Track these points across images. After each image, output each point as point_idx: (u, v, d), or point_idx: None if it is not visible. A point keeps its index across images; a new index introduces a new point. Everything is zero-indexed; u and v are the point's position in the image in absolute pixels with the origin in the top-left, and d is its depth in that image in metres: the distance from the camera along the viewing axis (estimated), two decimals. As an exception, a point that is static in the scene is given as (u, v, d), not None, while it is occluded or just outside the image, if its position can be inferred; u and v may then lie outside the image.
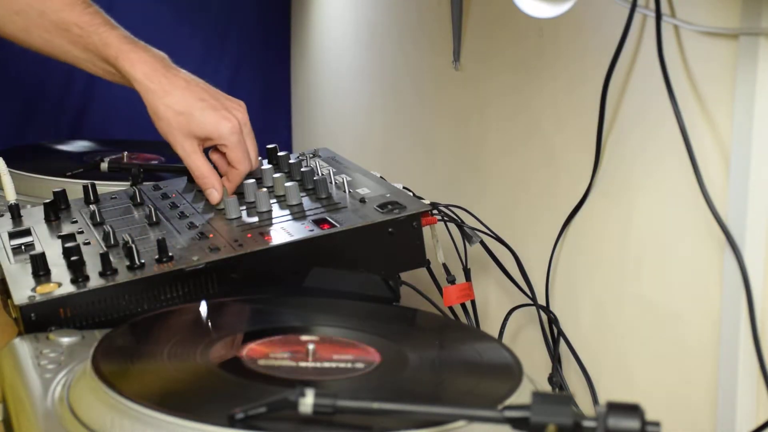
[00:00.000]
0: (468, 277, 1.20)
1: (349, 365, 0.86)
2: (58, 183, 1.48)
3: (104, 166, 1.59)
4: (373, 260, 1.10)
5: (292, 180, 1.24)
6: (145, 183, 1.35)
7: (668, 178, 0.97)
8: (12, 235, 1.18)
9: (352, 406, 0.72)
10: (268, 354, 0.88)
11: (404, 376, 0.86)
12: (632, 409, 0.67)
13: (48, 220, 1.22)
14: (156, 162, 1.68)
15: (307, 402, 0.72)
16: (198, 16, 2.15)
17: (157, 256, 1.05)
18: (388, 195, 1.17)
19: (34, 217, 1.24)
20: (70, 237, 1.12)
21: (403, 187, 1.21)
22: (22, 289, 1.02)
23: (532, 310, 1.19)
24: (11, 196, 1.30)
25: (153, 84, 1.17)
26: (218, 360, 0.86)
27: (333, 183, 1.23)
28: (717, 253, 0.90)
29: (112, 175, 1.56)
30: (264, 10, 2.19)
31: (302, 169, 1.25)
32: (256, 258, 1.06)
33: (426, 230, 1.13)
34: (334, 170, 1.27)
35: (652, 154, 1.00)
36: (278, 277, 1.07)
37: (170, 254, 1.05)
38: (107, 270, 1.03)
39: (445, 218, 1.18)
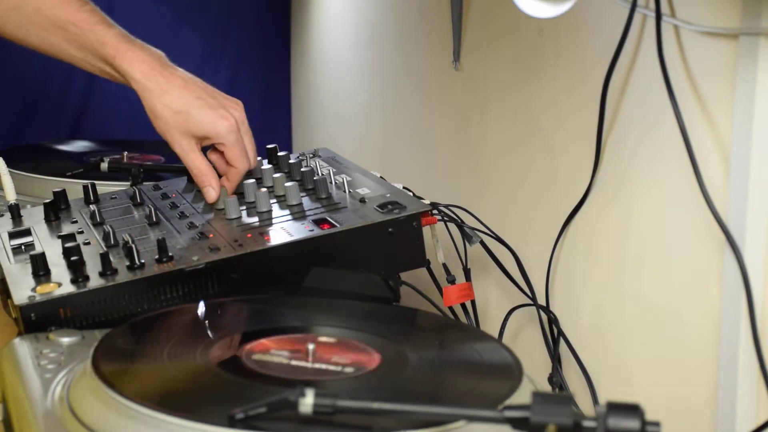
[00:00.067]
0: (468, 277, 1.20)
1: (349, 365, 0.86)
2: (58, 183, 1.48)
3: (104, 166, 1.59)
4: (373, 260, 1.10)
5: (292, 180, 1.24)
6: (145, 183, 1.35)
7: (668, 178, 0.97)
8: (12, 235, 1.18)
9: (352, 406, 0.72)
10: (268, 354, 0.88)
11: (404, 376, 0.86)
12: (632, 409, 0.67)
13: (48, 220, 1.22)
14: (155, 162, 1.68)
15: (307, 402, 0.72)
16: (198, 16, 2.15)
17: (157, 256, 1.05)
18: (388, 195, 1.17)
19: (34, 217, 1.24)
20: (70, 237, 1.12)
21: (403, 187, 1.21)
22: (22, 289, 1.02)
23: (532, 310, 1.19)
24: (11, 196, 1.30)
25: (150, 83, 1.17)
26: (218, 360, 0.86)
27: (333, 183, 1.23)
28: (717, 253, 0.90)
29: (112, 175, 1.56)
30: (264, 10, 2.19)
31: (302, 169, 1.25)
32: (256, 258, 1.06)
33: (426, 230, 1.13)
34: (334, 170, 1.27)
35: (652, 154, 0.99)
36: (278, 277, 1.07)
37: (170, 254, 1.05)
38: (107, 270, 1.03)
39: (445, 218, 1.18)
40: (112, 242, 1.10)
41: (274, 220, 1.14)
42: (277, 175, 1.23)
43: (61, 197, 1.27)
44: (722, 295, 0.90)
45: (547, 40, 1.17)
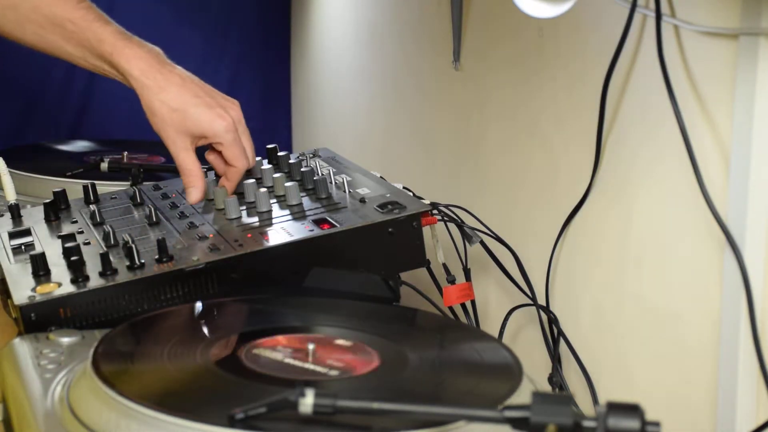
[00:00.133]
0: (468, 277, 1.20)
1: (348, 365, 0.86)
2: (58, 183, 1.48)
3: (104, 166, 1.59)
4: (373, 260, 1.10)
5: (292, 180, 1.24)
6: (145, 183, 1.35)
7: (668, 178, 0.97)
8: (12, 235, 1.18)
9: (352, 406, 0.72)
10: (267, 354, 0.88)
11: (404, 376, 0.86)
12: (632, 409, 0.67)
13: (48, 220, 1.22)
14: (158, 162, 1.68)
15: (307, 402, 0.72)
16: (198, 15, 2.15)
17: (157, 256, 1.05)
18: (388, 195, 1.17)
19: (34, 217, 1.24)
20: (70, 237, 1.12)
21: (403, 187, 1.21)
22: (22, 289, 1.02)
23: (532, 310, 1.19)
24: (11, 196, 1.30)
25: (148, 80, 1.16)
26: (218, 360, 0.86)
27: (333, 183, 1.23)
28: (717, 253, 0.90)
29: (112, 175, 1.57)
30: (264, 10, 2.19)
31: (302, 169, 1.25)
32: (256, 258, 1.06)
33: (426, 230, 1.13)
34: (334, 170, 1.27)
35: (652, 154, 0.99)
36: (278, 277, 1.07)
37: (170, 254, 1.05)
38: (107, 270, 1.03)
39: (445, 218, 1.18)
40: (112, 242, 1.10)
41: (274, 220, 1.14)
42: (277, 175, 1.23)
43: (61, 197, 1.27)
44: (722, 295, 0.90)
45: (547, 40, 1.17)
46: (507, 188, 1.29)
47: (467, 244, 1.19)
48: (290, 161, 1.31)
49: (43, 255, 1.05)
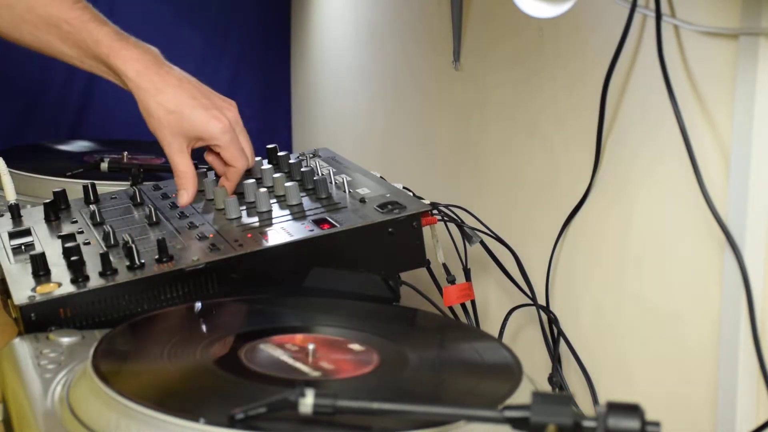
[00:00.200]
0: (468, 277, 1.20)
1: (348, 365, 0.86)
2: (58, 183, 1.48)
3: (104, 166, 1.59)
4: (373, 260, 1.10)
5: (292, 180, 1.24)
6: (145, 183, 1.35)
7: (668, 178, 0.97)
8: (12, 235, 1.18)
9: (352, 406, 0.72)
10: (267, 354, 0.88)
11: (404, 376, 0.86)
12: (632, 409, 0.67)
13: (48, 220, 1.22)
14: (153, 161, 1.69)
15: (307, 402, 0.72)
16: (198, 15, 2.15)
17: (157, 256, 1.05)
18: (388, 195, 1.17)
19: (34, 217, 1.24)
20: (70, 237, 1.12)
21: (403, 187, 1.21)
22: (22, 289, 1.02)
23: (532, 310, 1.19)
24: (11, 196, 1.30)
25: (145, 82, 1.16)
26: (218, 360, 0.86)
27: (333, 183, 1.23)
28: (717, 253, 0.90)
29: (112, 175, 1.57)
30: (264, 10, 2.19)
31: (302, 169, 1.25)
32: (256, 258, 1.06)
33: (426, 230, 1.13)
34: (334, 170, 1.27)
35: (652, 154, 1.00)
36: (278, 277, 1.07)
37: (170, 254, 1.05)
38: (107, 270, 1.03)
39: (445, 218, 1.18)
40: (112, 242, 1.10)
41: (274, 220, 1.14)
42: (277, 175, 1.23)
43: (61, 197, 1.27)
44: (722, 295, 0.90)
45: (547, 40, 1.17)
46: (507, 188, 1.29)
47: (467, 244, 1.19)
48: (290, 161, 1.31)
49: (43, 255, 1.05)
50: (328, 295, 1.08)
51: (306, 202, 1.18)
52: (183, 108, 1.16)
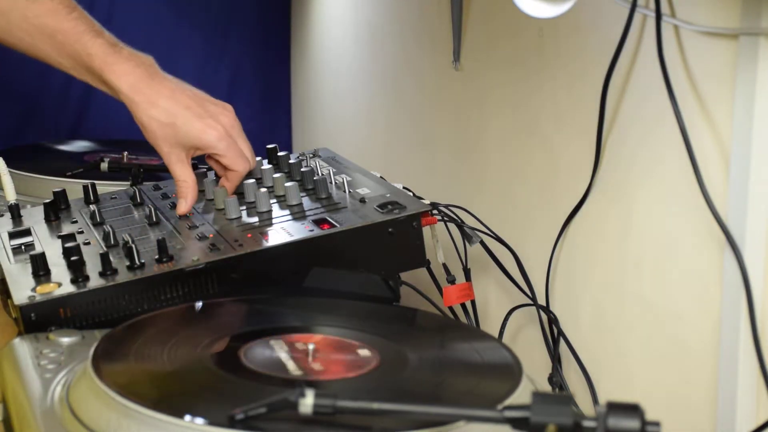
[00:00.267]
0: (468, 277, 1.20)
1: (348, 365, 0.86)
2: (58, 183, 1.48)
3: (104, 166, 1.59)
4: (373, 260, 1.10)
5: (292, 180, 1.24)
6: (145, 183, 1.35)
7: (668, 178, 0.97)
8: (12, 235, 1.18)
9: (352, 407, 0.72)
10: (268, 354, 0.88)
11: (404, 376, 0.86)
12: (632, 409, 0.67)
13: (48, 220, 1.22)
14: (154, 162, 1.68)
15: (307, 402, 0.72)
16: (198, 16, 2.15)
17: (157, 256, 1.05)
18: (388, 195, 1.17)
19: (34, 217, 1.24)
20: (70, 237, 1.12)
21: (403, 187, 1.21)
22: (22, 289, 1.02)
23: (532, 310, 1.19)
24: (11, 196, 1.30)
25: (138, 96, 1.16)
26: (218, 360, 0.86)
27: (333, 183, 1.23)
28: (717, 253, 0.90)
29: (112, 175, 1.57)
30: (264, 10, 2.19)
31: (302, 169, 1.25)
32: (256, 258, 1.06)
33: (426, 230, 1.13)
34: (334, 170, 1.27)
35: (652, 154, 1.00)
36: (278, 277, 1.07)
37: (170, 254, 1.05)
38: (107, 270, 1.03)
39: (445, 218, 1.18)
40: (112, 242, 1.10)
41: (274, 220, 1.14)
42: (277, 175, 1.23)
43: (61, 197, 1.27)
44: (722, 295, 0.90)
45: (547, 40, 1.17)
46: (507, 188, 1.29)
47: (467, 244, 1.19)
48: (290, 161, 1.31)
49: (43, 255, 1.05)
50: (328, 295, 1.08)
51: (306, 202, 1.18)
52: (176, 119, 1.16)
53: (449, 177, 1.46)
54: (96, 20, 1.21)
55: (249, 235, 1.10)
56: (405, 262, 1.13)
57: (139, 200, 1.26)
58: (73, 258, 1.03)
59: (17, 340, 0.96)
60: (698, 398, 0.94)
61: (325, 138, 1.99)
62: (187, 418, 0.74)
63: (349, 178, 1.24)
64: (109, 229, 1.12)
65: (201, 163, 1.26)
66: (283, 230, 1.11)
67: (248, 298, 1.05)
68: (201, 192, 1.23)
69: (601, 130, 1.06)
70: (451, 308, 1.21)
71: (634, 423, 0.66)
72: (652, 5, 0.91)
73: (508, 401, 0.80)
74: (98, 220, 1.19)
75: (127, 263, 1.04)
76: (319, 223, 1.11)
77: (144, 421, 0.75)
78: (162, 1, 2.11)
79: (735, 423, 0.89)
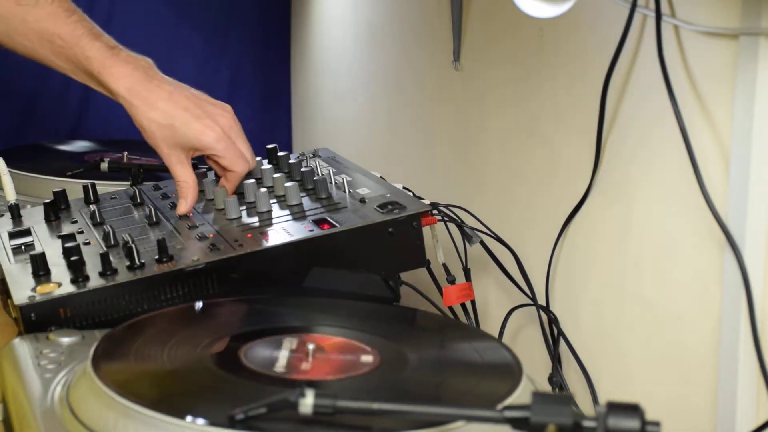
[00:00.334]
0: (468, 277, 1.20)
1: (349, 365, 0.86)
2: (58, 183, 1.48)
3: (104, 166, 1.59)
4: (373, 260, 1.10)
5: (292, 180, 1.24)
6: (145, 183, 1.35)
7: (668, 178, 0.97)
8: (12, 235, 1.18)
9: (352, 407, 0.72)
10: (267, 354, 0.88)
11: (404, 376, 0.86)
12: (632, 409, 0.67)
13: (48, 220, 1.22)
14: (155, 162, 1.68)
15: (307, 402, 0.72)
16: (198, 16, 2.15)
17: (157, 256, 1.05)
18: (388, 195, 1.17)
19: (34, 217, 1.24)
20: (70, 237, 1.12)
21: (403, 187, 1.21)
22: (22, 289, 1.02)
23: (532, 310, 1.19)
24: (11, 196, 1.30)
25: (135, 99, 1.17)
26: (218, 360, 0.86)
27: (333, 183, 1.23)
28: (717, 253, 0.90)
29: (112, 175, 1.56)
30: (264, 10, 2.19)
31: (302, 169, 1.25)
32: (256, 258, 1.06)
33: (426, 230, 1.13)
34: (334, 170, 1.27)
35: (652, 154, 1.00)
36: (278, 277, 1.07)
37: (170, 254, 1.05)
38: (107, 270, 1.03)
39: (445, 218, 1.18)
40: (112, 242, 1.10)
41: (274, 220, 1.14)
42: (277, 175, 1.23)
43: (61, 197, 1.27)
44: (722, 295, 0.90)
45: (547, 40, 1.17)
46: (507, 188, 1.29)
47: (467, 244, 1.19)
48: (290, 161, 1.31)
49: (43, 255, 1.05)
50: (328, 295, 1.08)
51: (306, 202, 1.18)
52: (174, 121, 1.16)
53: (449, 177, 1.46)
54: (96, 22, 1.21)
55: (249, 235, 1.10)
56: (405, 262, 1.13)
57: (139, 200, 1.26)
58: (73, 258, 1.03)
59: (17, 340, 0.96)
60: (698, 398, 0.94)
61: (325, 138, 1.99)
62: (188, 418, 0.74)
63: (349, 178, 1.24)
64: (109, 229, 1.12)
65: (201, 163, 1.26)
66: (283, 230, 1.11)
67: (248, 298, 1.05)
68: (201, 192, 1.23)
69: (601, 129, 1.06)
70: (451, 308, 1.21)
71: (634, 423, 0.66)
72: (652, 5, 0.91)
73: (508, 401, 0.80)
74: (98, 220, 1.19)
75: (127, 263, 1.04)
76: (319, 223, 1.11)
77: (144, 421, 0.75)
78: (162, 1, 2.11)
79: (735, 423, 0.89)
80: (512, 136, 1.27)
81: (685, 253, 0.96)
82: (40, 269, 1.05)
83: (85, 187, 1.28)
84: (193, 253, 1.06)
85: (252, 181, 1.21)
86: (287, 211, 1.16)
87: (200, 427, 0.74)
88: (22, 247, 1.14)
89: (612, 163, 1.07)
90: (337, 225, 1.10)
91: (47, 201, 1.24)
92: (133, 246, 1.04)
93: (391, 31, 1.66)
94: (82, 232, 1.17)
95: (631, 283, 1.04)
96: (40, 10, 1.18)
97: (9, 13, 1.18)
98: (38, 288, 1.01)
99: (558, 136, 1.17)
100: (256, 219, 1.15)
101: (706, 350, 0.93)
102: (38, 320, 0.99)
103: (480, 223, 1.22)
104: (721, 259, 0.90)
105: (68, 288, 1.01)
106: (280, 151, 1.35)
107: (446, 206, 1.18)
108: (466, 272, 1.21)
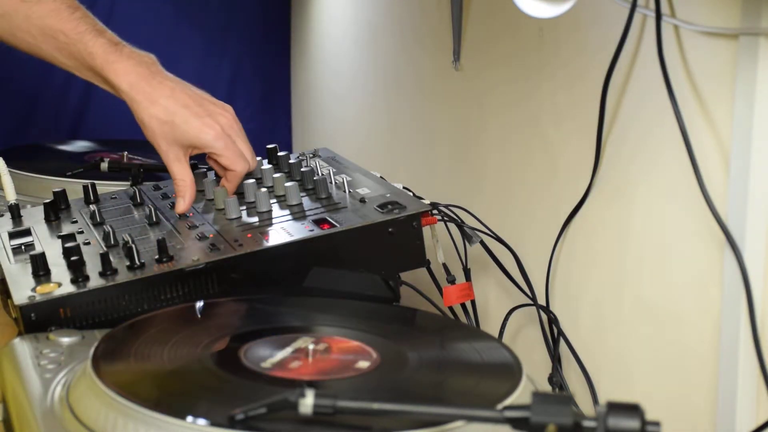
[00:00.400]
0: (468, 277, 1.20)
1: (348, 365, 0.86)
2: (58, 183, 1.48)
3: (104, 166, 1.59)
4: (373, 260, 1.10)
5: (292, 180, 1.24)
6: (145, 183, 1.35)
7: (668, 178, 0.97)
8: (12, 235, 1.18)
9: (352, 407, 0.72)
10: (267, 354, 0.88)
11: (404, 376, 0.86)
12: (632, 409, 0.67)
13: (48, 220, 1.22)
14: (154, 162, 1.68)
15: (307, 402, 0.72)
16: (199, 15, 2.15)
17: (157, 256, 1.05)
18: (388, 195, 1.17)
19: (34, 217, 1.24)
20: (70, 237, 1.12)
21: (403, 187, 1.21)
22: (22, 289, 1.02)
23: (532, 310, 1.19)
24: (11, 196, 1.30)
25: (138, 94, 1.17)
26: (218, 360, 0.86)
27: (333, 183, 1.23)
28: (717, 253, 0.90)
29: (112, 175, 1.56)
30: (264, 9, 2.19)
31: (302, 169, 1.25)
32: (256, 258, 1.06)
33: (426, 230, 1.13)
34: (334, 170, 1.27)
35: (652, 154, 1.00)
36: (278, 277, 1.07)
37: (170, 254, 1.05)
38: (107, 270, 1.03)
39: (445, 218, 1.18)
40: (112, 242, 1.10)
41: (274, 220, 1.14)
42: (277, 175, 1.23)
43: (61, 197, 1.27)
44: (722, 295, 0.90)
45: (547, 40, 1.17)
46: (507, 188, 1.29)
47: (467, 244, 1.19)
48: (290, 161, 1.31)
49: (43, 255, 1.05)
50: (328, 295, 1.08)
51: (306, 202, 1.18)
52: (175, 117, 1.16)
53: (449, 177, 1.46)
54: (98, 19, 1.21)
55: (249, 235, 1.10)
56: (405, 262, 1.13)
57: (139, 200, 1.26)
58: (73, 258, 1.03)
59: (17, 340, 0.96)
60: (698, 398, 0.94)
61: (325, 138, 1.99)
62: (189, 418, 0.74)
63: (349, 178, 1.24)
64: (109, 229, 1.12)
65: (201, 162, 1.26)
66: (283, 230, 1.11)
67: (248, 298, 1.05)
68: (201, 192, 1.23)
69: (601, 129, 1.06)
70: (451, 308, 1.21)
71: (634, 423, 0.66)
72: (652, 5, 0.91)
73: (508, 401, 0.80)
74: (98, 220, 1.19)
75: (127, 263, 1.04)
76: (319, 223, 1.11)
77: (144, 421, 0.75)
78: (162, 0, 2.11)
79: (735, 423, 0.89)
80: (512, 136, 1.27)
81: (685, 253, 0.96)
82: (40, 269, 1.05)
83: (85, 187, 1.28)
84: (193, 253, 1.06)
85: (252, 181, 1.21)
86: (287, 211, 1.16)
87: (200, 428, 0.74)
88: (22, 247, 1.14)
89: (612, 163, 1.07)
90: (337, 225, 1.10)
91: (47, 201, 1.24)
92: (133, 246, 1.04)
93: (391, 31, 1.66)
94: (82, 232, 1.17)
95: (631, 283, 1.04)
96: (43, 7, 1.18)
97: (12, 9, 1.18)
98: (38, 288, 1.01)
99: (558, 136, 1.17)
100: (256, 219, 1.15)
101: (706, 350, 0.93)
102: (38, 320, 0.99)
103: (480, 223, 1.22)
104: (721, 259, 0.90)
105: (68, 288, 1.01)
106: (280, 151, 1.35)
107: (446, 206, 1.18)
108: (466, 272, 1.21)
